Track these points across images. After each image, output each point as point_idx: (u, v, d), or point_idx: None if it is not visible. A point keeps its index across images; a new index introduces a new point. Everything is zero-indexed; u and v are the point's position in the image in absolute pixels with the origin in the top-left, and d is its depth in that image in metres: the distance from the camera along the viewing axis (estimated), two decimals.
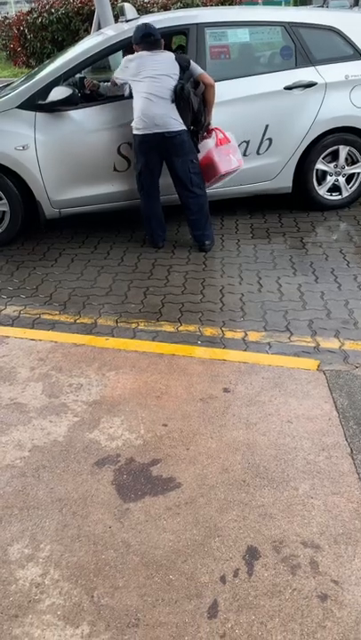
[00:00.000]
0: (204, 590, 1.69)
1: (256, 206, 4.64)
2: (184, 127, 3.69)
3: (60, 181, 4.03)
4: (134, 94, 3.73)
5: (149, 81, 3.65)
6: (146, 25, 3.82)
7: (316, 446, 2.20)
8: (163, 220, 4.06)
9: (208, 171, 3.88)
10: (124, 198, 4.17)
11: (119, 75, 3.83)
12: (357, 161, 4.38)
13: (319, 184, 4.41)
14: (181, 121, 3.67)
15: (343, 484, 2.03)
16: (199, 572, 1.74)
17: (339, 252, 3.89)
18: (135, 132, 3.73)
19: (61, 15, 12.33)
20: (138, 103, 3.70)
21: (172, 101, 3.65)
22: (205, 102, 3.76)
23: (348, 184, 4.47)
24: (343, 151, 4.32)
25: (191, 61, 3.76)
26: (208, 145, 3.88)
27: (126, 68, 3.76)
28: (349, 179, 4.46)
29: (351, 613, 1.61)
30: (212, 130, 3.90)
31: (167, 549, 1.81)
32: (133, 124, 3.73)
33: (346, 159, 4.37)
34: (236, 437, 2.26)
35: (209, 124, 3.86)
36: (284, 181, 4.35)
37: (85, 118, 3.99)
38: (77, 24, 12.22)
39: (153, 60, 3.69)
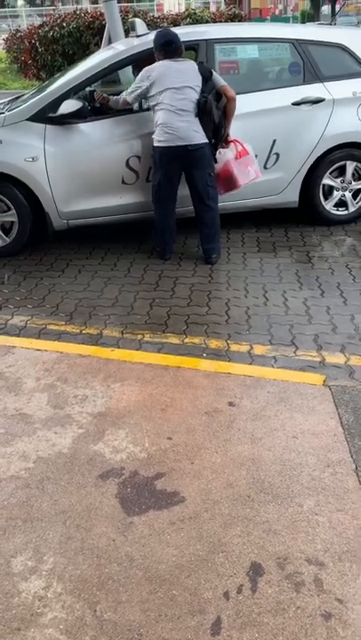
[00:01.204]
0: (208, 606, 1.68)
1: (262, 220, 4.66)
2: (206, 140, 3.72)
3: (69, 193, 4.06)
4: (155, 105, 3.73)
5: (172, 93, 3.66)
6: (167, 32, 3.85)
7: (321, 462, 2.19)
8: (174, 232, 4.08)
9: (227, 183, 3.92)
10: (132, 211, 4.20)
11: (130, 98, 3.84)
12: None
13: (326, 199, 4.43)
14: (204, 134, 3.70)
15: (348, 500, 2.02)
16: (203, 587, 1.73)
17: (345, 266, 3.90)
18: (157, 144, 3.74)
19: (72, 29, 12.49)
20: (160, 115, 3.71)
21: (196, 115, 3.68)
22: (226, 114, 3.79)
23: (354, 199, 4.48)
24: (350, 167, 4.34)
25: (213, 72, 3.79)
26: (227, 156, 3.90)
27: (140, 86, 3.75)
28: (356, 194, 4.48)
29: (356, 633, 1.59)
30: (231, 141, 3.92)
31: (171, 564, 1.81)
32: (155, 136, 3.74)
33: (353, 174, 4.39)
34: (241, 452, 2.26)
35: (228, 135, 3.88)
36: (291, 196, 4.37)
37: (95, 131, 4.03)
38: (88, 38, 12.38)
39: (176, 69, 3.69)
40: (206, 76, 3.71)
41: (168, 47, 3.74)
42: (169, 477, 2.14)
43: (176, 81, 3.66)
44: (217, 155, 3.89)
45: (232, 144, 3.93)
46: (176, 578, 1.76)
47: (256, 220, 4.66)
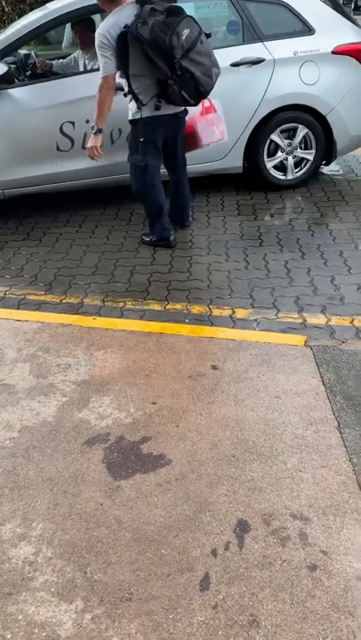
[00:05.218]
0: (196, 564, 1.71)
1: (242, 183, 4.60)
2: None
3: (2, 161, 3.94)
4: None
5: None
6: None
7: (304, 421, 2.22)
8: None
9: (188, 142, 3.66)
10: (70, 179, 4.09)
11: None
12: (312, 147, 4.31)
13: (269, 157, 4.32)
14: None
15: (331, 457, 2.06)
16: (190, 546, 1.77)
17: (325, 227, 3.89)
18: (146, 114, 3.29)
19: None
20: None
21: None
22: None
23: (295, 168, 4.39)
24: (301, 132, 4.22)
25: None
26: (191, 112, 3.59)
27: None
28: (299, 163, 4.39)
29: (340, 582, 1.64)
30: None
31: (159, 525, 1.83)
32: (148, 106, 3.28)
33: (303, 143, 4.28)
34: (225, 414, 2.28)
35: None
36: (234, 161, 4.24)
37: (25, 96, 3.87)
38: None
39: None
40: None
41: None
42: (155, 441, 2.16)
43: None
44: None
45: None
46: (164, 538, 1.79)
47: (235, 183, 4.61)
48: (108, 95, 3.28)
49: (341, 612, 1.57)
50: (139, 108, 3.27)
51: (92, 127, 3.40)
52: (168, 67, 3.03)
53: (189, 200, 3.95)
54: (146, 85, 3.20)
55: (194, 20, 3.11)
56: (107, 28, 3.11)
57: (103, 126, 3.39)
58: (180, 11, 3.10)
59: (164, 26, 2.98)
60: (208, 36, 3.19)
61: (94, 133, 3.41)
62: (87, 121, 3.82)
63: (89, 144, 3.45)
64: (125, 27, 3.04)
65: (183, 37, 2.99)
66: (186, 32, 3.01)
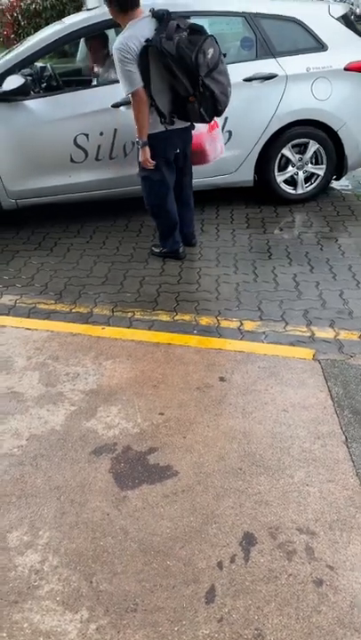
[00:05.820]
0: (202, 576, 1.71)
1: (251, 196, 4.63)
2: None
3: (16, 172, 3.99)
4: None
5: None
6: None
7: (311, 434, 2.22)
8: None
9: (196, 158, 3.66)
10: (83, 190, 4.14)
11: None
12: (322, 163, 4.33)
13: (280, 171, 4.34)
14: None
15: (338, 471, 2.05)
16: (196, 557, 1.76)
17: (334, 241, 3.90)
18: (161, 129, 3.29)
19: (55, 2, 12.22)
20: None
21: None
22: None
23: (305, 183, 4.42)
24: (313, 147, 4.25)
25: None
26: (200, 129, 3.58)
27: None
28: (309, 178, 4.41)
29: (346, 598, 1.64)
30: None
31: (165, 536, 1.83)
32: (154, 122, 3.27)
33: (314, 157, 4.31)
34: (232, 426, 2.28)
35: None
36: (245, 175, 4.28)
37: (41, 108, 3.93)
38: (71, 11, 12.09)
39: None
40: None
41: None
42: (162, 452, 2.17)
43: None
44: None
45: None
46: (170, 549, 1.79)
47: (245, 196, 4.64)
48: (142, 107, 3.16)
49: (347, 629, 1.56)
50: (162, 122, 3.24)
51: (138, 142, 3.30)
52: (190, 83, 3.07)
53: (193, 218, 3.91)
54: (165, 101, 3.21)
55: (215, 39, 3.15)
56: (125, 41, 3.07)
57: (146, 138, 3.29)
58: (202, 30, 3.14)
59: (189, 43, 3.02)
60: (224, 56, 3.24)
61: (141, 147, 3.32)
62: (101, 133, 3.90)
63: (140, 158, 3.37)
64: (147, 41, 3.04)
65: (209, 56, 3.04)
66: (211, 51, 3.06)
